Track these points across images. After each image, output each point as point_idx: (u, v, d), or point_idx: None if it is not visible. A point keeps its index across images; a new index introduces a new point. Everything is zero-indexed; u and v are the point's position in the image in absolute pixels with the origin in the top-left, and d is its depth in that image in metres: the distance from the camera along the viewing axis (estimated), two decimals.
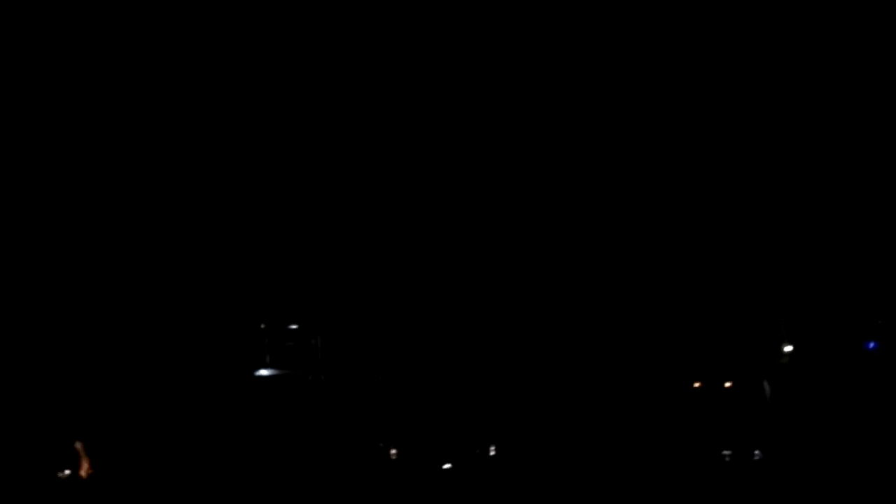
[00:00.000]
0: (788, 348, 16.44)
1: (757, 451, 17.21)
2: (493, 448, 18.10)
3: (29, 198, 17.21)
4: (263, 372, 18.45)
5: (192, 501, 16.31)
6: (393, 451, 18.05)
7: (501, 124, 16.86)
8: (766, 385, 16.74)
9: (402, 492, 17.01)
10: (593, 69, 16.11)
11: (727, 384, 17.12)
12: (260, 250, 18.22)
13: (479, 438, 18.16)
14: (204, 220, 18.08)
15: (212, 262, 18.21)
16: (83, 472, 13.86)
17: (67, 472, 15.19)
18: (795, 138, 15.80)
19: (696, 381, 17.22)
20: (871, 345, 16.93)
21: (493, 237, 17.40)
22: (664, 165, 16.07)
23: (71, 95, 16.62)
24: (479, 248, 17.57)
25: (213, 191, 18.00)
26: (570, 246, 16.97)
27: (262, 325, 18.59)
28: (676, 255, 16.40)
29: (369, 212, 18.01)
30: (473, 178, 17.31)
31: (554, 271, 17.31)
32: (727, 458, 17.15)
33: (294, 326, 18.64)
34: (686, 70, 15.96)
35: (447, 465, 17.79)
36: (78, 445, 13.76)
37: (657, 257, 16.53)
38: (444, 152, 17.40)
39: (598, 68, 16.08)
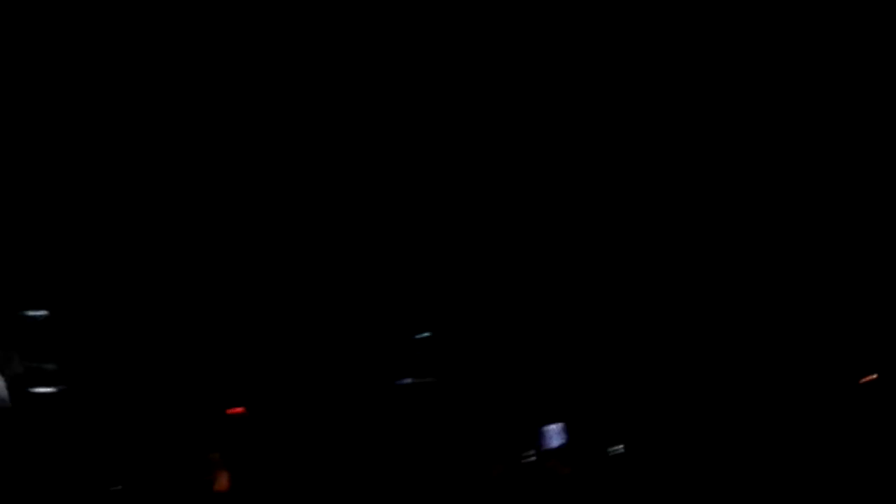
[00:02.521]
0: None
1: None
2: None
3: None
4: None
5: None
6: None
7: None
8: None
9: None
10: (594, 69, 16.02)
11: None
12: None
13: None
14: None
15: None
16: (219, 486, 13.06)
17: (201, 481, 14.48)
18: None
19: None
20: None
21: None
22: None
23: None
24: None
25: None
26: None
27: None
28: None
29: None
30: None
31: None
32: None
33: None
34: (687, 69, 15.94)
35: None
36: (215, 456, 13.03)
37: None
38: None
39: (598, 68, 16.00)
